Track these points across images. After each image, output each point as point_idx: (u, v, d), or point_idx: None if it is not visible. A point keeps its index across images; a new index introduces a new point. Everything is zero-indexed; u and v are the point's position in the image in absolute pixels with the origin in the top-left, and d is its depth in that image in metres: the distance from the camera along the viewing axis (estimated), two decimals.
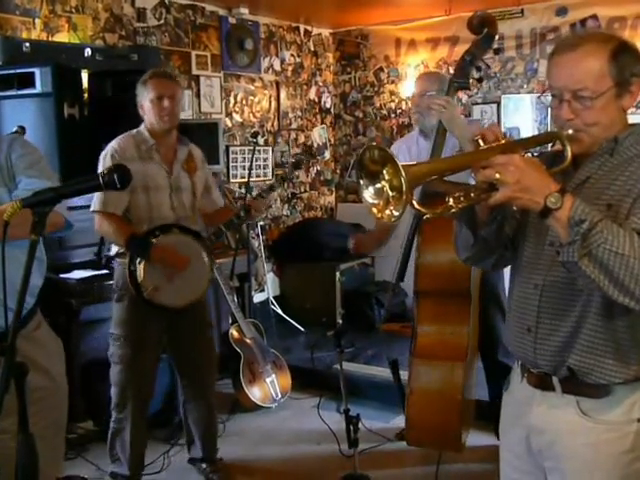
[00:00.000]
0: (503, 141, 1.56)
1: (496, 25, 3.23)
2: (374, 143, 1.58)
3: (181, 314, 3.25)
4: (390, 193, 1.46)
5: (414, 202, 1.46)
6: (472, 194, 1.54)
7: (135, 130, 3.26)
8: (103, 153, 3.20)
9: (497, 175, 1.48)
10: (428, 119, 3.45)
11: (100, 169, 3.14)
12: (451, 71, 5.90)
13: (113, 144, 3.20)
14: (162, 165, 3.23)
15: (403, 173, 1.40)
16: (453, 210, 1.53)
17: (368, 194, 1.51)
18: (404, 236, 3.41)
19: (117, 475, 3.40)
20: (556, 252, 1.53)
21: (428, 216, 1.55)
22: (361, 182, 1.51)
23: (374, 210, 1.50)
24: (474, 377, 3.52)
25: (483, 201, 1.56)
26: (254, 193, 5.95)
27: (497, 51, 3.44)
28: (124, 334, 3.22)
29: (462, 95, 5.87)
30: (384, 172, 1.46)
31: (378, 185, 1.48)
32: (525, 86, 5.80)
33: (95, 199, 3.13)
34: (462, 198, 1.54)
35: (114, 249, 3.34)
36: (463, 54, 3.26)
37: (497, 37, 3.28)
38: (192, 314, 3.29)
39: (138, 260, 3.09)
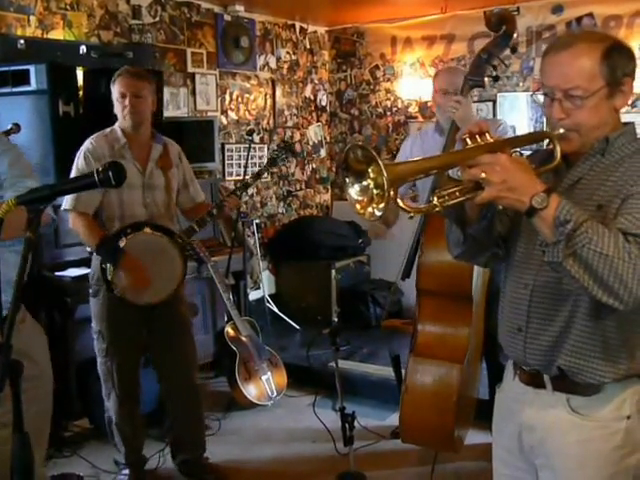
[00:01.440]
0: (491, 140, 1.56)
1: (515, 23, 3.18)
2: (359, 142, 1.58)
3: (158, 311, 3.26)
4: (374, 191, 1.47)
5: (398, 200, 1.46)
6: (458, 193, 1.54)
7: (109, 129, 3.30)
8: (77, 153, 3.23)
9: (483, 174, 1.49)
10: (446, 116, 3.40)
11: (73, 169, 3.21)
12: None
13: (86, 144, 3.24)
14: (135, 163, 3.25)
15: (385, 172, 1.40)
16: (437, 209, 1.53)
17: (353, 191, 1.51)
18: (411, 234, 3.42)
19: (119, 463, 3.49)
20: (542, 252, 1.54)
21: (412, 215, 1.55)
22: (346, 180, 1.51)
23: (357, 206, 1.51)
24: (476, 378, 3.52)
25: (469, 200, 1.56)
26: (250, 191, 5.96)
27: (514, 49, 3.39)
28: (100, 328, 3.28)
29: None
30: (369, 170, 1.47)
31: (364, 183, 1.49)
32: (521, 84, 5.81)
33: (66, 197, 3.15)
34: (447, 197, 1.54)
35: None
36: (479, 52, 3.21)
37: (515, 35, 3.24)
38: (169, 311, 3.30)
39: None
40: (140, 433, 3.49)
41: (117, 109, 3.24)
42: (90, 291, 3.30)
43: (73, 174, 3.19)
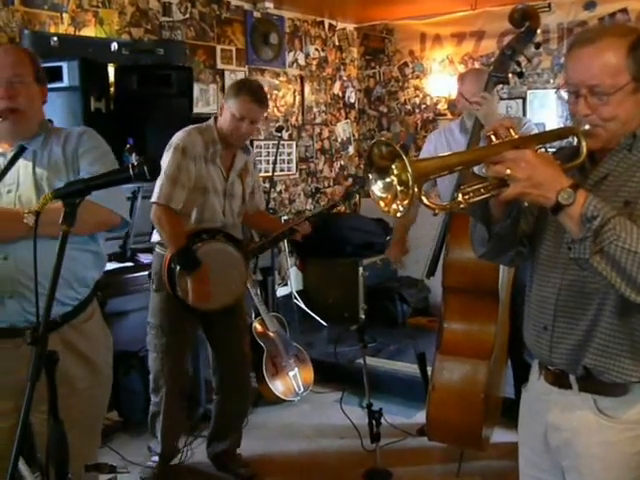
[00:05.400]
0: (516, 136, 1.54)
1: (538, 19, 3.16)
2: (383, 138, 1.55)
3: (218, 314, 3.30)
4: (398, 188, 1.45)
5: (423, 197, 1.44)
6: (482, 190, 1.52)
7: (205, 125, 3.23)
8: (171, 146, 3.13)
9: (508, 171, 1.46)
10: (470, 117, 3.41)
11: (167, 161, 3.09)
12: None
13: (183, 137, 3.14)
14: (222, 170, 3.24)
15: (410, 169, 1.38)
16: (462, 206, 1.51)
17: (377, 188, 1.49)
18: (436, 231, 3.41)
19: (152, 450, 3.53)
20: (568, 248, 1.51)
21: (436, 212, 1.52)
22: (370, 176, 1.50)
23: (381, 204, 1.49)
24: (502, 375, 3.50)
25: (494, 197, 1.54)
26: (278, 188, 5.98)
27: (538, 45, 3.39)
28: (160, 323, 3.29)
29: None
30: (393, 167, 1.45)
31: (387, 179, 1.47)
32: (552, 81, 5.75)
33: (159, 190, 3.08)
34: (472, 194, 1.51)
35: (156, 236, 3.34)
36: (503, 48, 3.21)
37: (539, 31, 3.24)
38: (229, 316, 3.34)
39: None
40: (181, 427, 3.56)
41: (226, 120, 3.14)
42: (153, 286, 3.29)
43: (166, 167, 3.07)
